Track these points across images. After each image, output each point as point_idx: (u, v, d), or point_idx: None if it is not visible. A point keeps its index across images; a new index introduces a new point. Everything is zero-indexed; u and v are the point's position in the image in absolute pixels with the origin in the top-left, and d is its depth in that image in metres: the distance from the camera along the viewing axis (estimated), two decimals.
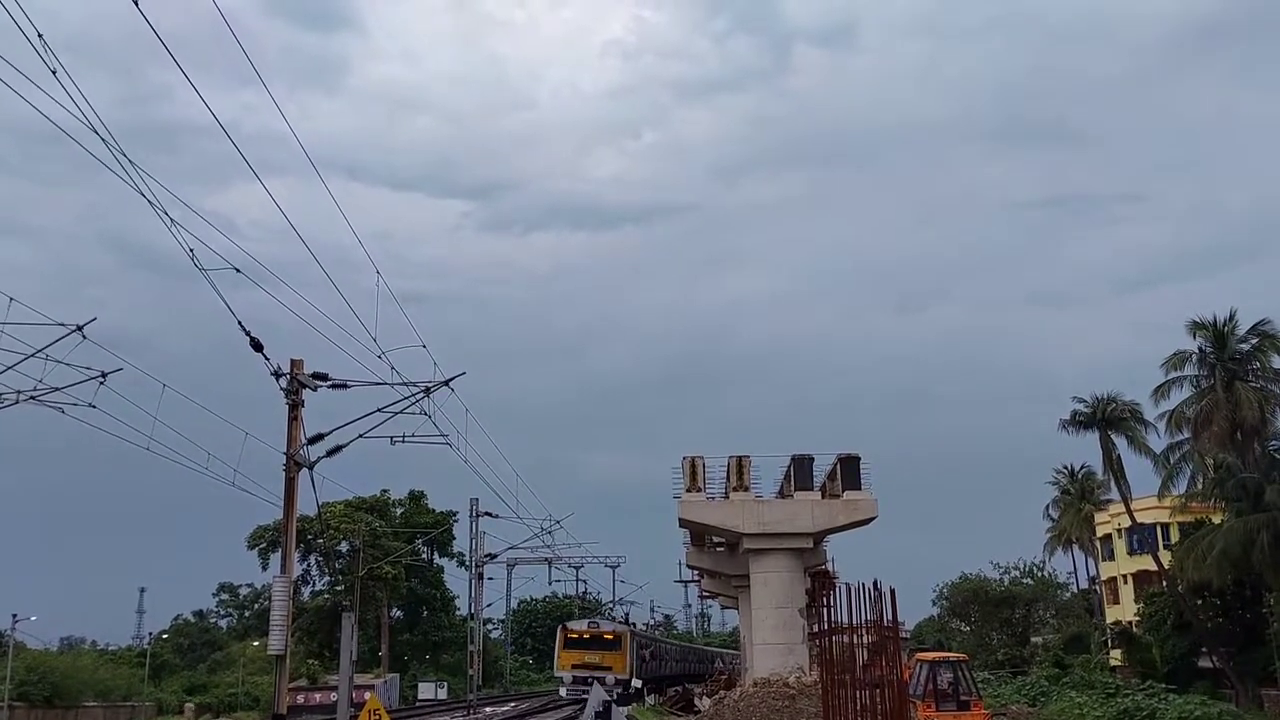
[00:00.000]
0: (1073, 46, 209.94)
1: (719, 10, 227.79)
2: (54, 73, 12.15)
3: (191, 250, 15.93)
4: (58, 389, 17.55)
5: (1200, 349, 47.07)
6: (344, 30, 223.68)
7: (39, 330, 17.22)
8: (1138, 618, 56.84)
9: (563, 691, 51.03)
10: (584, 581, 72.09)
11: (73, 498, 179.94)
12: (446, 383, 22.29)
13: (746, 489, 38.41)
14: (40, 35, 11.75)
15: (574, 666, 49.37)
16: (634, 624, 63.09)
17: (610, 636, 50.28)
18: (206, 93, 14.20)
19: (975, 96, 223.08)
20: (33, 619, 65.30)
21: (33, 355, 17.02)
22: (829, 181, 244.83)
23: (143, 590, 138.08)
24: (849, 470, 38.27)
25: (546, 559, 60.10)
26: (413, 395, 21.67)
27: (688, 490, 38.50)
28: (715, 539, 47.61)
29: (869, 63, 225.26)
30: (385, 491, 79.79)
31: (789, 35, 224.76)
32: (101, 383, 17.73)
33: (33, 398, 17.40)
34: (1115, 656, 60.86)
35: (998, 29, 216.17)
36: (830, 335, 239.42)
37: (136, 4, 12.19)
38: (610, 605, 72.64)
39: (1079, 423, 51.14)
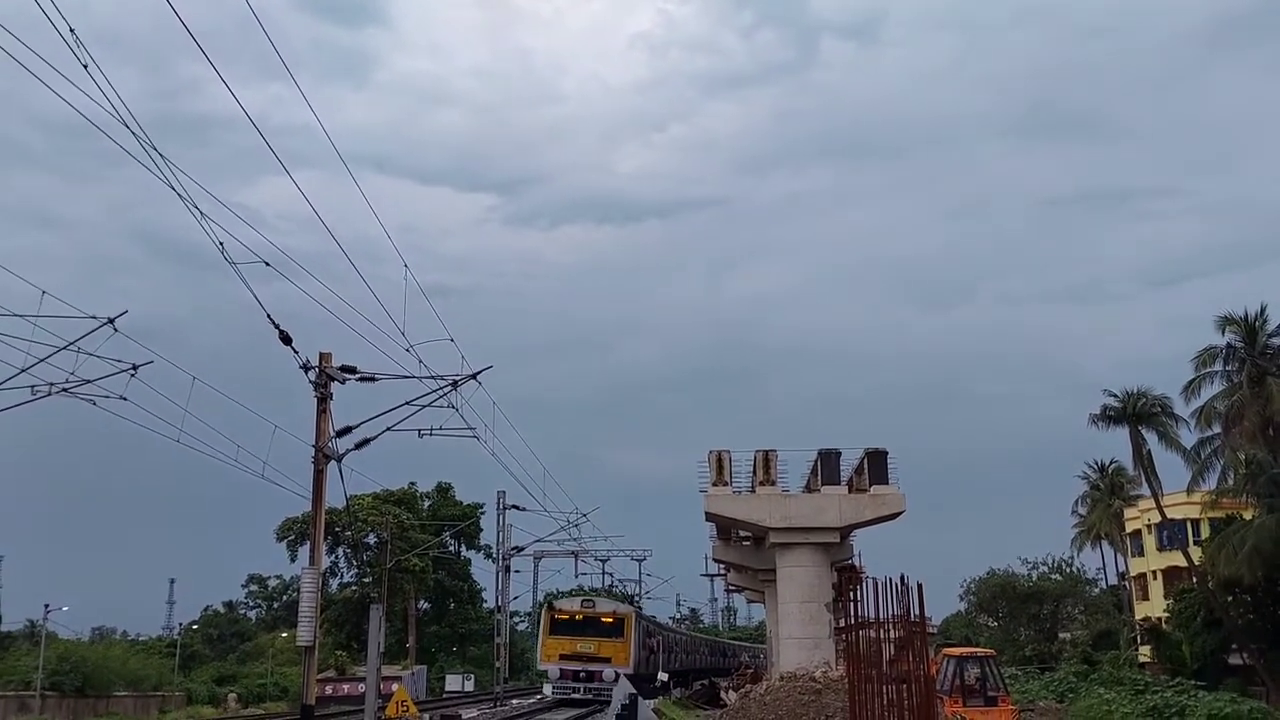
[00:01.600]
0: (1102, 40, 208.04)
1: (745, 3, 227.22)
2: (85, 67, 12.24)
3: (221, 244, 16.05)
4: (89, 381, 17.73)
5: (1230, 344, 46.58)
6: (372, 24, 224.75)
7: (71, 323, 17.40)
8: (1167, 614, 56.34)
9: (547, 690, 41.84)
10: (610, 574, 72.25)
11: (104, 489, 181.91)
12: (474, 376, 22.37)
13: (773, 483, 38.31)
14: (72, 30, 11.85)
15: (563, 657, 41.07)
16: (640, 606, 58.25)
17: (609, 620, 41.99)
18: (235, 86, 14.29)
19: (1004, 90, 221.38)
20: (64, 609, 66.19)
21: (65, 348, 17.20)
22: (856, 175, 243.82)
23: (173, 581, 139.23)
24: (876, 465, 38.10)
25: (573, 552, 60.19)
26: (440, 388, 21.77)
27: (714, 484, 38.43)
28: (741, 533, 47.52)
29: (897, 56, 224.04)
30: (413, 484, 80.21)
31: (816, 28, 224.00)
32: (132, 375, 17.89)
33: (65, 390, 17.58)
34: (1144, 653, 60.36)
35: (1027, 22, 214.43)
36: (858, 330, 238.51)
37: None
38: (636, 598, 72.43)
39: (1109, 417, 50.68)
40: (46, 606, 60.23)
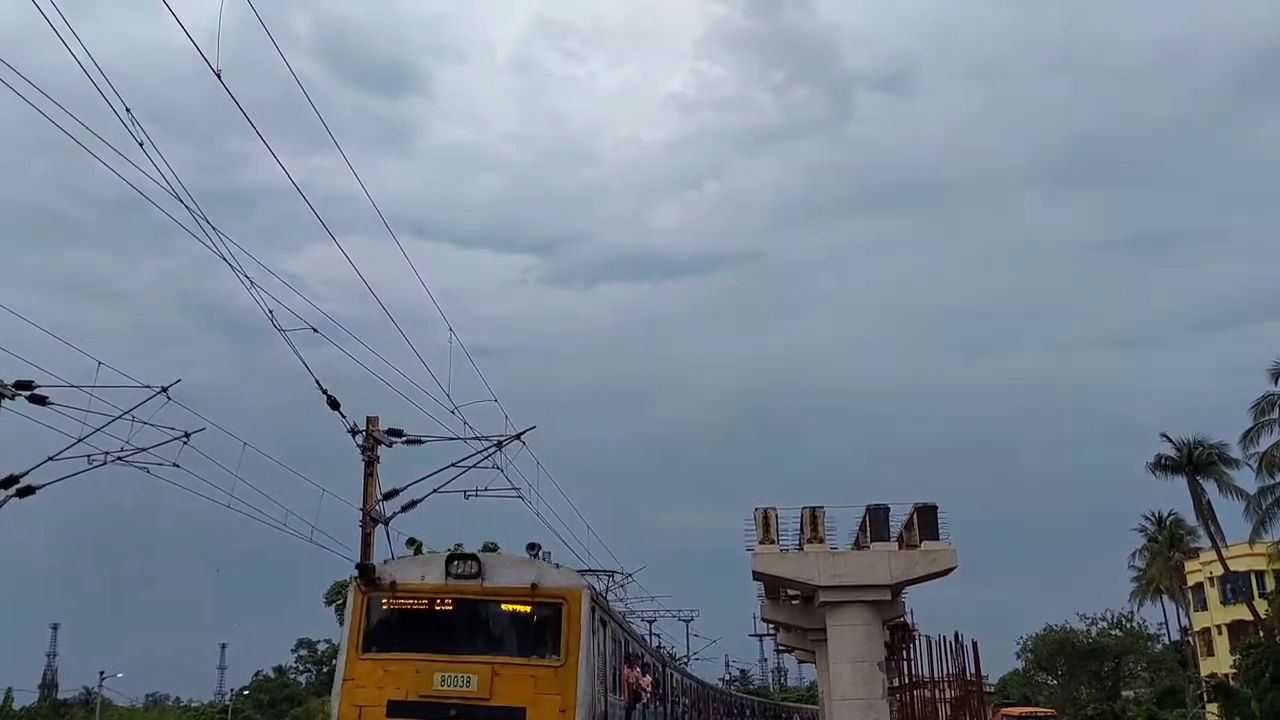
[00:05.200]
0: (1140, 84, 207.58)
1: (777, 61, 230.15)
2: (141, 145, 12.64)
3: (271, 311, 16.35)
4: (144, 450, 18.03)
5: None
6: (412, 94, 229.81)
7: (126, 393, 17.76)
8: (1234, 670, 54.76)
9: None
10: (657, 635, 71.27)
11: (158, 557, 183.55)
12: (518, 436, 22.43)
13: (821, 540, 37.87)
14: (128, 109, 12.25)
15: (394, 710, 14.87)
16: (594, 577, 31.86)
17: (522, 605, 15.67)
18: (282, 157, 14.65)
19: (1041, 138, 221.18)
20: (119, 676, 66.88)
21: (120, 417, 17.53)
22: (894, 227, 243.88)
23: (224, 646, 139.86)
24: (926, 520, 37.58)
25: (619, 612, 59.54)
26: (485, 449, 21.84)
27: (760, 542, 38.05)
28: (790, 592, 46.93)
29: (931, 107, 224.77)
30: (459, 546, 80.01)
31: (848, 82, 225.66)
32: (185, 443, 18.18)
33: (121, 458, 17.89)
34: (1212, 710, 58.56)
35: (1061, 68, 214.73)
36: (901, 382, 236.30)
37: (219, 76, 12.66)
38: (685, 660, 71.28)
39: (1165, 466, 49.79)
40: (102, 674, 60.99)
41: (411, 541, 16.60)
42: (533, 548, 16.39)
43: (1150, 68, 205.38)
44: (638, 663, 22.04)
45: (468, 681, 14.95)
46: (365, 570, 16.12)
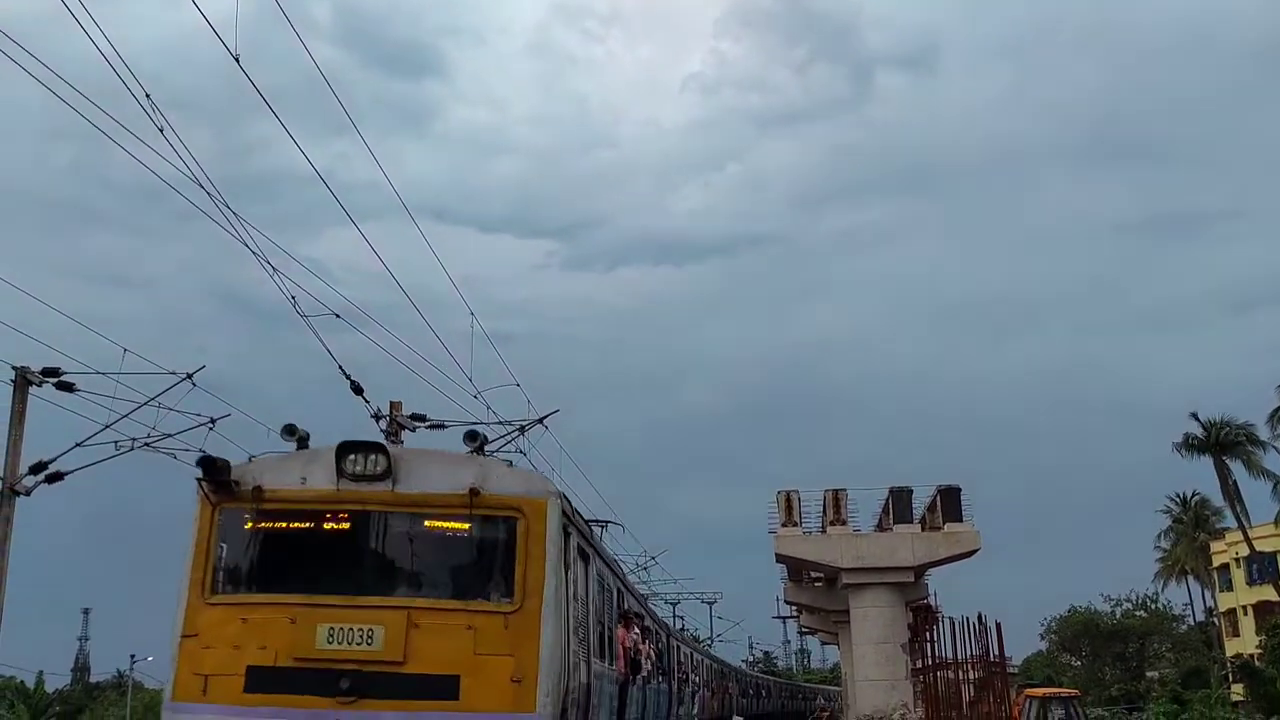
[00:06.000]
0: (1166, 62, 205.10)
1: (798, 40, 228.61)
2: (161, 131, 12.67)
3: (293, 298, 16.36)
4: (170, 435, 18.19)
5: None
6: (431, 77, 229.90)
7: (151, 379, 17.91)
8: (1260, 650, 54.48)
9: None
10: (681, 618, 71.55)
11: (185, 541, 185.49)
12: (541, 420, 22.44)
13: (844, 523, 37.92)
14: (148, 95, 12.28)
15: (253, 679, 9.33)
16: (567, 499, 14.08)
17: (457, 523, 9.95)
18: (303, 143, 14.65)
19: (1065, 117, 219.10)
20: (150, 659, 67.45)
21: (146, 403, 17.69)
22: (916, 208, 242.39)
23: None
24: (949, 502, 37.55)
25: (643, 595, 59.66)
26: (508, 434, 21.86)
27: (783, 525, 38.15)
28: (813, 574, 46.99)
29: (954, 87, 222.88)
30: None
31: (870, 62, 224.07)
32: (210, 428, 18.30)
33: (147, 444, 18.05)
34: (1237, 691, 58.28)
35: (1086, 48, 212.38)
36: (924, 364, 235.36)
37: (238, 60, 12.68)
38: (709, 642, 71.34)
39: (1192, 446, 49.53)
40: (133, 657, 61.57)
41: (292, 430, 10.89)
42: (473, 437, 11.07)
43: (1175, 43, 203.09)
44: (638, 623, 16.92)
45: (369, 637, 9.49)
46: (213, 468, 10.19)
